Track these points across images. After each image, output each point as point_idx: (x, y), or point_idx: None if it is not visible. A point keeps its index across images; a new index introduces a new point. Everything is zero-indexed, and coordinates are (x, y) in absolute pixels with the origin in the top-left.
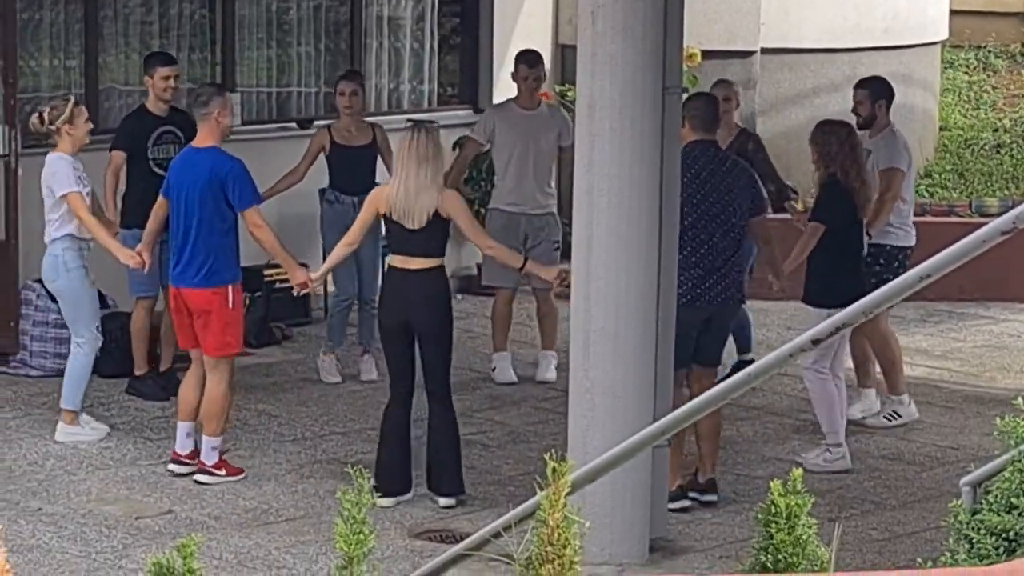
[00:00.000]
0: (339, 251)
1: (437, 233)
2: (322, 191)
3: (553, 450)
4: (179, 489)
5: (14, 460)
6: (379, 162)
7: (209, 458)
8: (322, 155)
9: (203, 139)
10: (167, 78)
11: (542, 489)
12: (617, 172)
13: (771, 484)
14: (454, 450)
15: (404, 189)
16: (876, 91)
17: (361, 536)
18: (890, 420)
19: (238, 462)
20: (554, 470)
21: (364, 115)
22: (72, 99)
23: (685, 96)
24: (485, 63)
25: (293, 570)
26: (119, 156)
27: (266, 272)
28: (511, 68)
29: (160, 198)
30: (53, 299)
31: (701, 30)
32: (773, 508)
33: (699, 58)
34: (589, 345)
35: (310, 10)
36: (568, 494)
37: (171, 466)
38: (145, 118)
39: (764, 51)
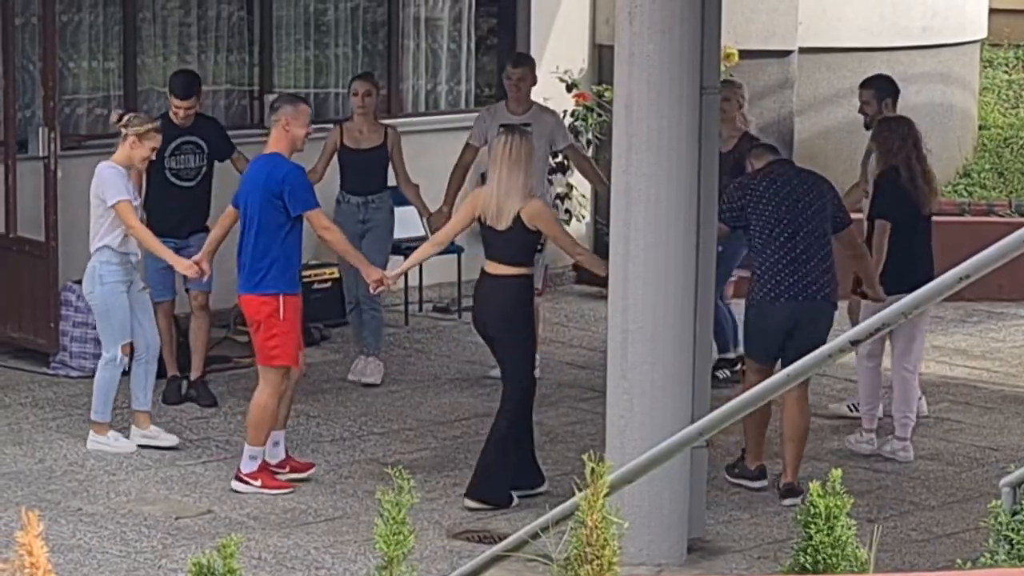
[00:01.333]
0: (426, 249)
1: (520, 240)
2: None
3: (591, 451)
4: (218, 490)
5: (54, 460)
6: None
7: (247, 466)
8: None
9: (270, 145)
10: (178, 108)
11: (580, 490)
12: (655, 172)
13: (810, 485)
14: (496, 458)
15: (497, 191)
16: (882, 89)
17: (400, 537)
18: (851, 410)
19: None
20: (592, 471)
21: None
22: (158, 123)
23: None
24: None
25: (332, 570)
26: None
27: (304, 273)
28: (549, 69)
29: (229, 207)
30: None
31: (739, 30)
32: (812, 509)
33: (736, 58)
34: (627, 345)
35: (347, 11)
36: (606, 495)
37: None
38: (166, 127)
39: (802, 50)
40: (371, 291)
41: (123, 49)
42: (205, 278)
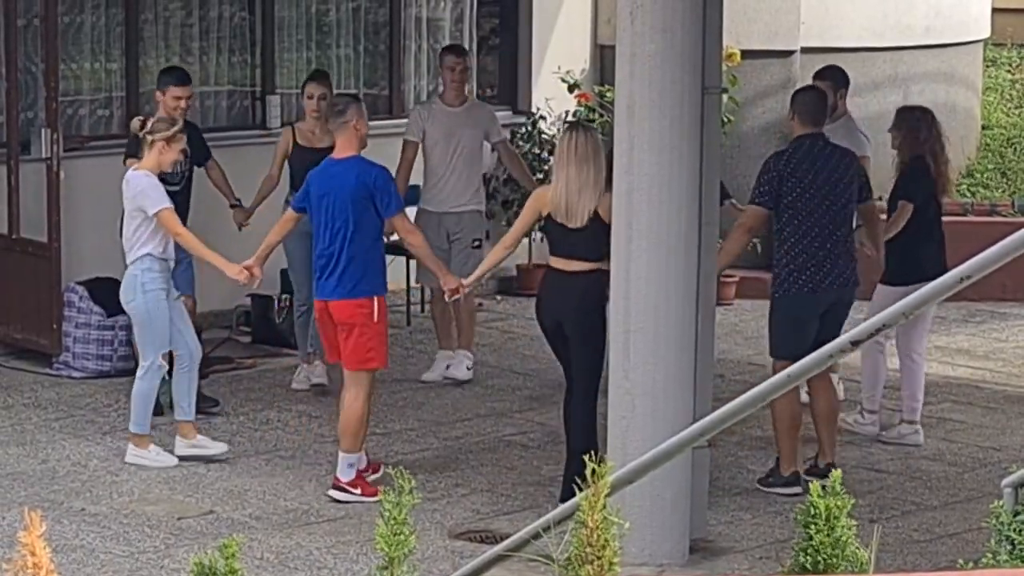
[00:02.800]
0: (498, 254)
1: (597, 235)
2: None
3: (593, 451)
4: (221, 490)
5: (57, 461)
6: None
7: (345, 475)
8: None
9: (343, 149)
10: (179, 98)
11: (582, 490)
12: (657, 173)
13: (810, 485)
14: (588, 446)
15: (566, 189)
16: (838, 80)
17: (402, 537)
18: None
19: (280, 463)
20: (594, 471)
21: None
22: (181, 124)
23: (794, 90)
24: (524, 64)
25: (334, 570)
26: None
27: None
28: (551, 68)
29: (290, 212)
30: (96, 301)
31: (740, 29)
32: (812, 509)
33: (739, 58)
34: (629, 345)
35: (349, 12)
36: (608, 495)
37: (329, 492)
38: None
39: (804, 50)
40: (447, 299)
41: (125, 50)
42: (256, 284)
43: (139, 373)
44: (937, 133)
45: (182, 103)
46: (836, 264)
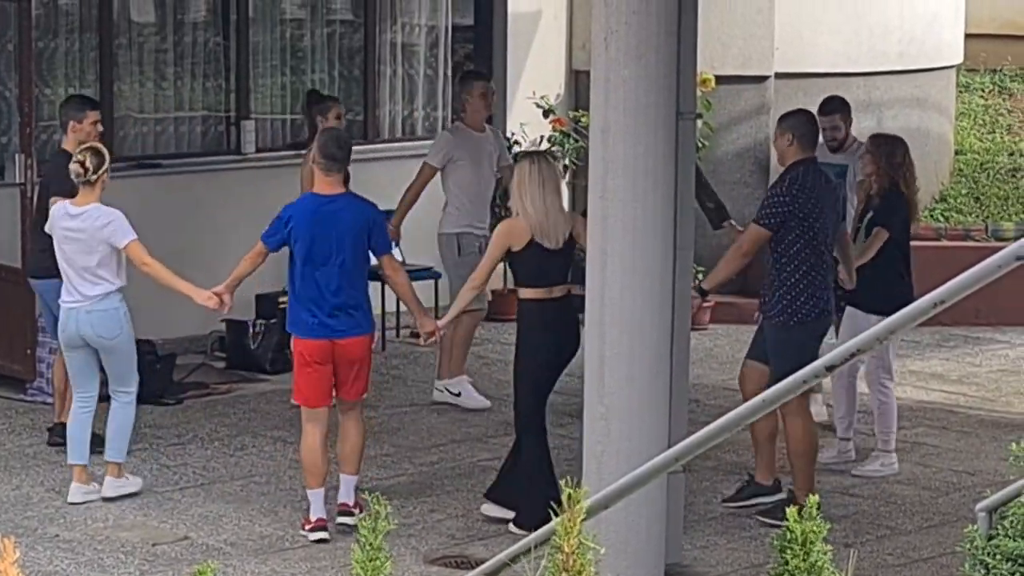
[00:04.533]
0: (467, 294)
1: (570, 258)
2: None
3: (568, 476)
4: (195, 516)
5: (31, 487)
6: None
7: (351, 497)
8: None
9: (335, 186)
10: (95, 123)
11: (557, 515)
12: (631, 198)
13: (787, 510)
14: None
15: (540, 212)
16: (846, 111)
17: (377, 563)
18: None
19: (255, 488)
20: (570, 496)
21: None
22: (102, 146)
23: (784, 113)
24: (499, 89)
25: None
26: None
27: (281, 300)
28: (526, 94)
29: (261, 246)
30: None
31: (715, 55)
32: (788, 534)
33: (713, 83)
34: (604, 370)
35: (324, 37)
36: (583, 520)
37: (340, 519)
38: (65, 161)
39: (778, 76)
40: (423, 342)
41: (99, 75)
42: (227, 310)
43: (122, 401)
44: (909, 161)
45: (94, 131)
46: (830, 286)
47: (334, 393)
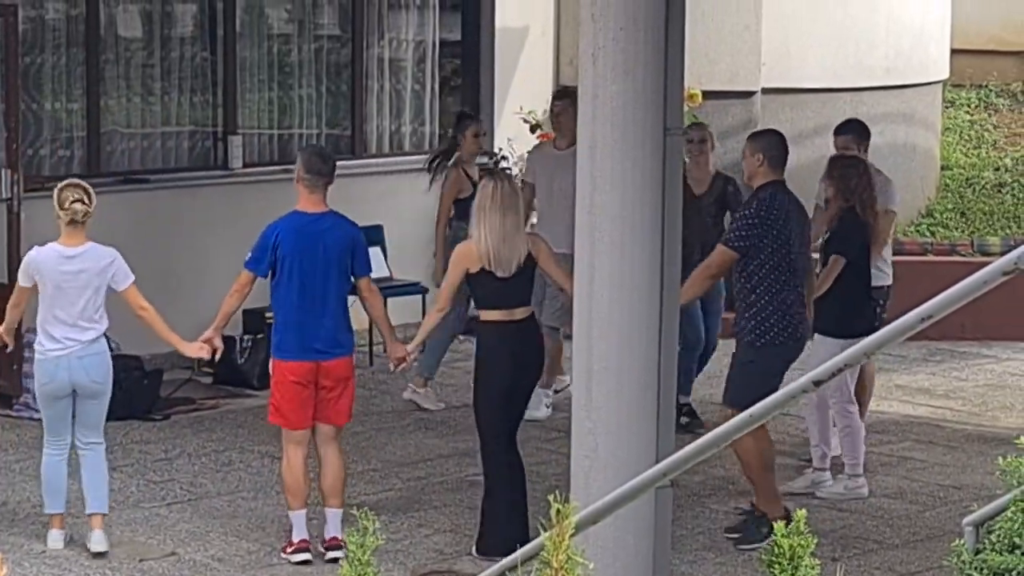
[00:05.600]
0: (433, 318)
1: (529, 280)
2: None
3: (556, 491)
4: (183, 531)
5: (17, 503)
6: None
7: (340, 531)
8: None
9: (319, 204)
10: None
11: (546, 530)
12: (619, 213)
13: (774, 525)
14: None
15: (493, 239)
16: (861, 134)
17: None
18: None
19: (242, 504)
20: (558, 511)
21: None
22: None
23: (755, 132)
24: (486, 104)
25: None
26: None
27: (267, 315)
28: (513, 109)
29: (247, 274)
30: None
31: (702, 70)
32: (776, 549)
33: (700, 98)
34: (592, 385)
35: (311, 53)
36: (572, 535)
37: (331, 554)
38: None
39: (765, 91)
40: (393, 368)
41: (86, 90)
42: (218, 355)
43: (101, 448)
44: (868, 183)
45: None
46: (802, 308)
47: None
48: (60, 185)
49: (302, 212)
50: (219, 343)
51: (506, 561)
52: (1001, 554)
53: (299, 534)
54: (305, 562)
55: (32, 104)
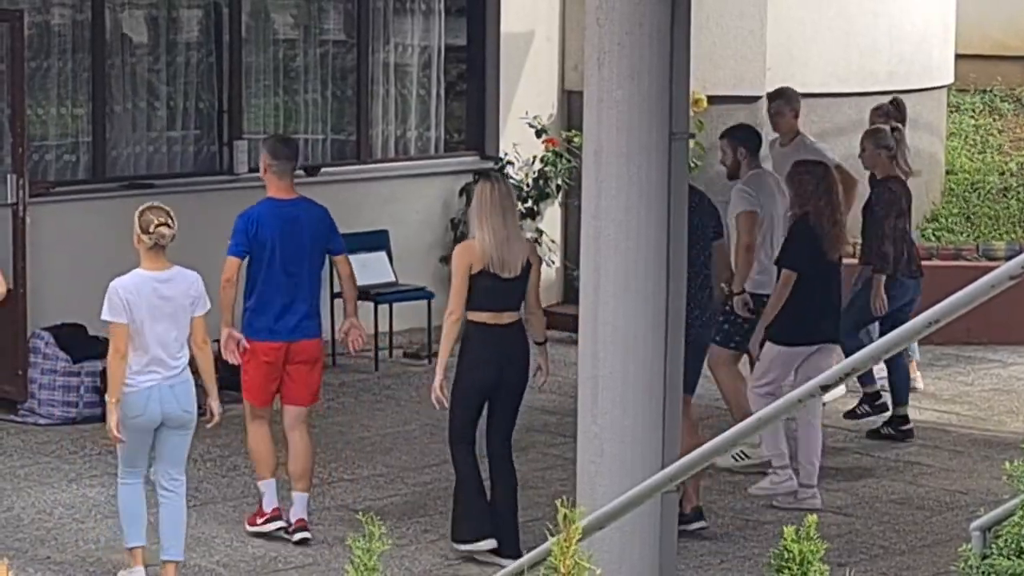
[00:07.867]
0: (453, 327)
1: (524, 284)
2: None
3: (563, 496)
4: (188, 537)
5: (23, 508)
6: None
7: (306, 513)
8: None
9: (289, 191)
10: None
11: (552, 535)
12: (624, 218)
13: (784, 529)
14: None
15: (496, 239)
16: (736, 138)
17: None
18: (737, 460)
19: (245, 509)
20: (565, 516)
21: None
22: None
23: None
24: (492, 109)
25: None
26: None
27: None
28: (519, 114)
29: (234, 259)
30: (61, 347)
31: (707, 75)
32: (785, 554)
33: (705, 103)
34: (597, 391)
35: (317, 57)
36: (579, 540)
37: (299, 535)
38: None
39: (770, 96)
40: (341, 339)
41: (92, 95)
42: (241, 347)
43: (182, 488)
44: (827, 188)
45: None
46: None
47: (279, 402)
48: (141, 208)
49: (276, 199)
50: (239, 335)
51: (513, 566)
52: (1008, 559)
53: (270, 503)
54: (280, 529)
55: (38, 109)
